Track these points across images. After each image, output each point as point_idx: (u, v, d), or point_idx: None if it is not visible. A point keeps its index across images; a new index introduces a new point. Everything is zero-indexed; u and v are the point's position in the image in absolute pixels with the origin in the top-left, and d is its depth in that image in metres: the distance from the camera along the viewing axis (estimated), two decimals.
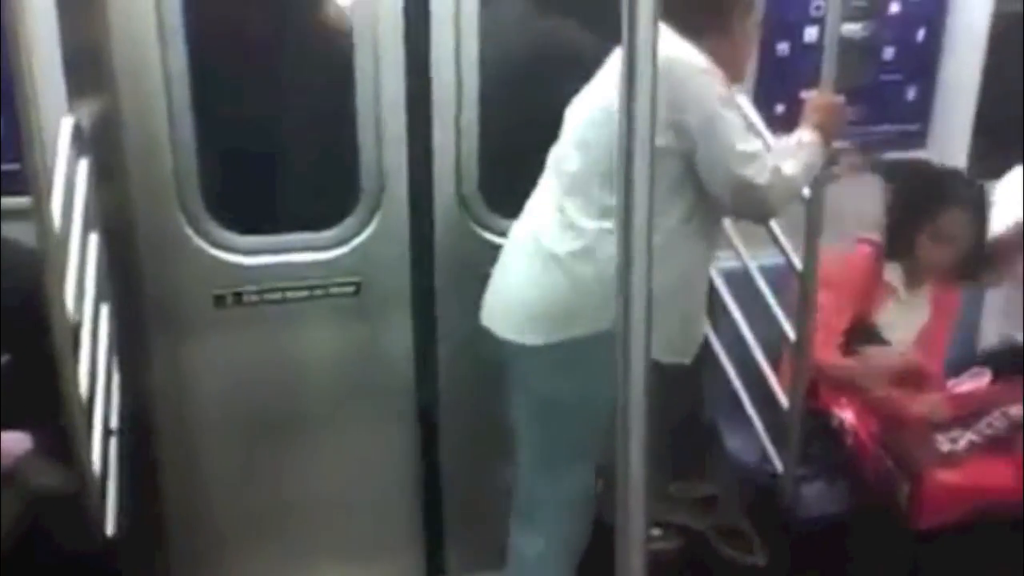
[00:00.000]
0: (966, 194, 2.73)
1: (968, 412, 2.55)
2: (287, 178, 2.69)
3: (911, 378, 2.68)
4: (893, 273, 2.78)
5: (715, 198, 2.15)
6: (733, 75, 2.22)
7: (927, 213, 2.67)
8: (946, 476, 2.40)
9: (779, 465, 2.50)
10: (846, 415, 2.60)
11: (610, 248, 1.98)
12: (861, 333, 2.70)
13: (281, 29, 2.61)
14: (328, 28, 2.60)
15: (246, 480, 2.80)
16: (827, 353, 2.60)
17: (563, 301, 2.19)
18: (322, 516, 2.89)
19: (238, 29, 2.54)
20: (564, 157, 2.25)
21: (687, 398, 2.77)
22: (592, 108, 2.22)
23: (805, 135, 2.25)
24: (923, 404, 2.60)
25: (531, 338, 2.22)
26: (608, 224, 2.10)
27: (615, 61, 2.17)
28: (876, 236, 2.78)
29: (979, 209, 2.72)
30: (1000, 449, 2.46)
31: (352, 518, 2.91)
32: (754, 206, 2.18)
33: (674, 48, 2.02)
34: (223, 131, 2.55)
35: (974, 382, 2.78)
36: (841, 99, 2.28)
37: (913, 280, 2.78)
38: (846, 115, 2.33)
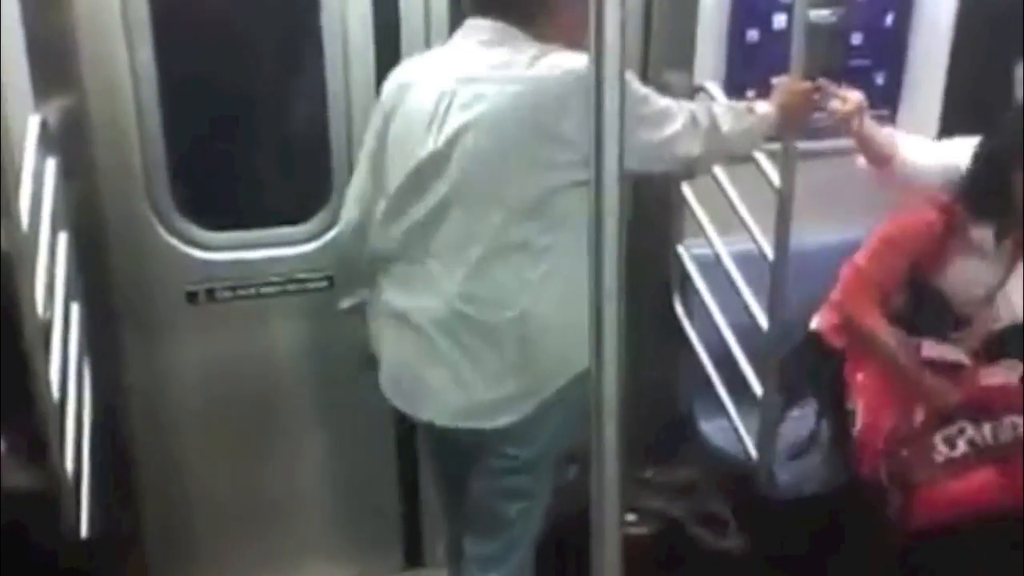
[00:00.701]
0: None
1: (980, 407, 2.51)
2: (258, 173, 2.68)
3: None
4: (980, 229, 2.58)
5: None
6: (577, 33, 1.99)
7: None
8: (938, 490, 2.43)
9: (753, 450, 2.52)
10: (859, 405, 2.59)
11: (555, 288, 1.91)
12: (920, 291, 2.59)
13: (250, 22, 2.59)
14: (298, 21, 2.58)
15: (222, 477, 2.80)
16: (869, 313, 2.58)
17: (521, 371, 1.99)
18: (299, 512, 2.88)
19: (206, 23, 2.52)
20: (460, 200, 1.95)
21: None
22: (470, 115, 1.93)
23: (760, 105, 2.25)
24: (935, 389, 2.54)
25: (492, 421, 2.01)
26: (539, 271, 1.94)
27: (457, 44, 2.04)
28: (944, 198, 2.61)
29: None
30: (998, 460, 2.45)
31: (329, 513, 2.92)
32: (679, 160, 2.05)
33: (548, 71, 1.89)
34: (193, 127, 2.54)
35: (1004, 375, 2.62)
36: (809, 85, 2.29)
37: (1005, 231, 2.55)
38: (814, 100, 2.34)
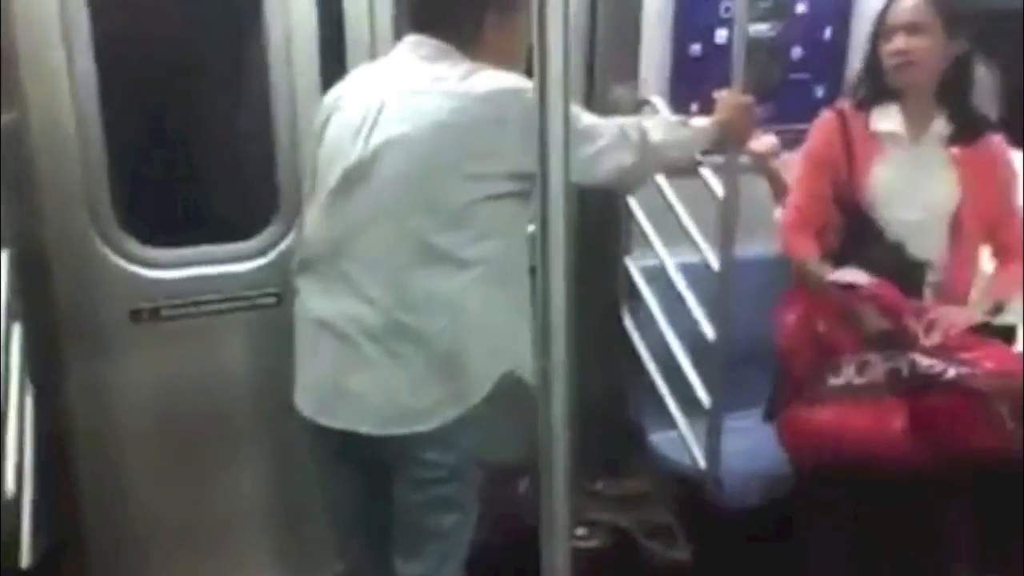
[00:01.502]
0: None
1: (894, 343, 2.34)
2: (203, 189, 2.65)
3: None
4: (885, 118, 2.47)
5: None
6: (514, 57, 2.09)
7: None
8: (802, 416, 2.39)
9: (702, 460, 2.55)
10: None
11: (483, 297, 1.95)
12: (852, 223, 2.49)
13: (194, 36, 2.57)
14: (242, 35, 2.57)
15: (168, 497, 2.75)
16: (801, 244, 2.51)
17: (446, 376, 2.00)
18: (246, 530, 2.85)
19: (149, 36, 2.49)
20: (385, 209, 1.96)
21: None
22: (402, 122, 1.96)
23: (698, 120, 2.32)
24: (863, 314, 2.36)
25: (417, 427, 2.00)
26: (465, 279, 1.96)
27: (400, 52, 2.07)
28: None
29: None
30: (908, 402, 2.30)
31: (278, 532, 2.88)
32: (611, 173, 2.09)
33: (478, 86, 1.93)
34: (136, 142, 2.51)
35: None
36: (750, 99, 2.34)
37: (909, 112, 2.46)
38: (755, 114, 2.39)
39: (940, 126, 2.43)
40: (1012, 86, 2.79)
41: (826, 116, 2.55)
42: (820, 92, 2.99)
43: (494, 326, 2.02)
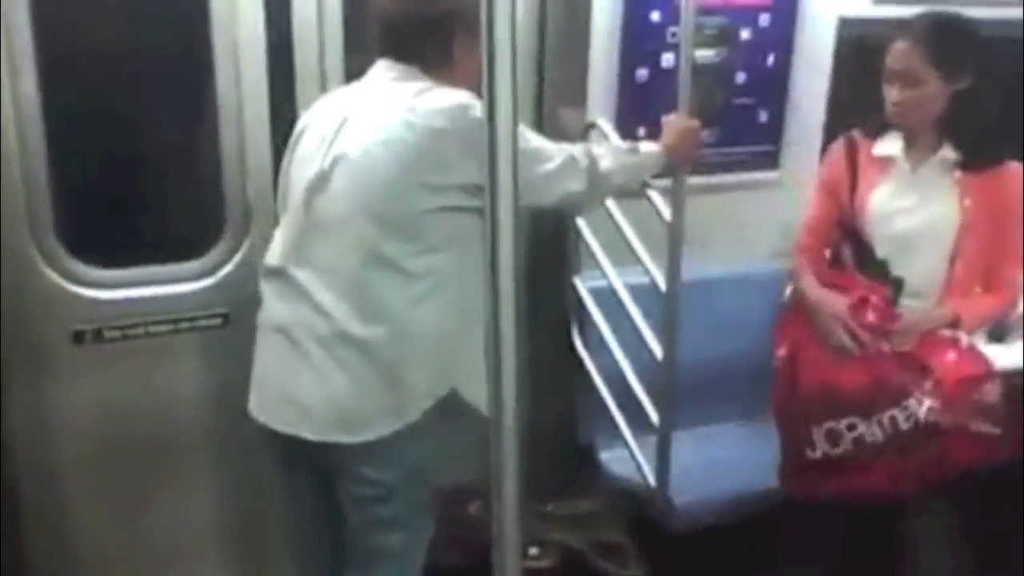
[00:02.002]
0: None
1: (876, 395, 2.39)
2: (148, 208, 2.61)
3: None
4: (890, 144, 2.53)
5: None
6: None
7: None
8: (803, 487, 2.50)
9: (652, 479, 2.57)
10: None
11: (430, 311, 2.01)
12: (849, 240, 2.58)
13: (139, 52, 2.54)
14: (189, 52, 2.54)
15: (114, 523, 2.69)
16: (802, 267, 2.62)
17: (389, 387, 2.04)
18: (196, 556, 2.80)
19: (93, 55, 2.46)
20: (338, 219, 2.02)
21: None
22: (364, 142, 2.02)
23: (646, 145, 2.38)
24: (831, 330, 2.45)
25: (359, 435, 2.04)
26: (414, 292, 2.01)
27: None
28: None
29: None
30: (889, 453, 2.37)
31: (228, 557, 2.83)
32: (559, 196, 2.16)
33: (433, 102, 1.98)
34: (79, 161, 2.46)
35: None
36: (695, 123, 2.38)
37: (911, 143, 2.51)
38: (700, 138, 2.43)
39: (946, 152, 2.46)
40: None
41: (837, 143, 2.66)
42: (763, 117, 3.04)
43: (442, 342, 2.06)
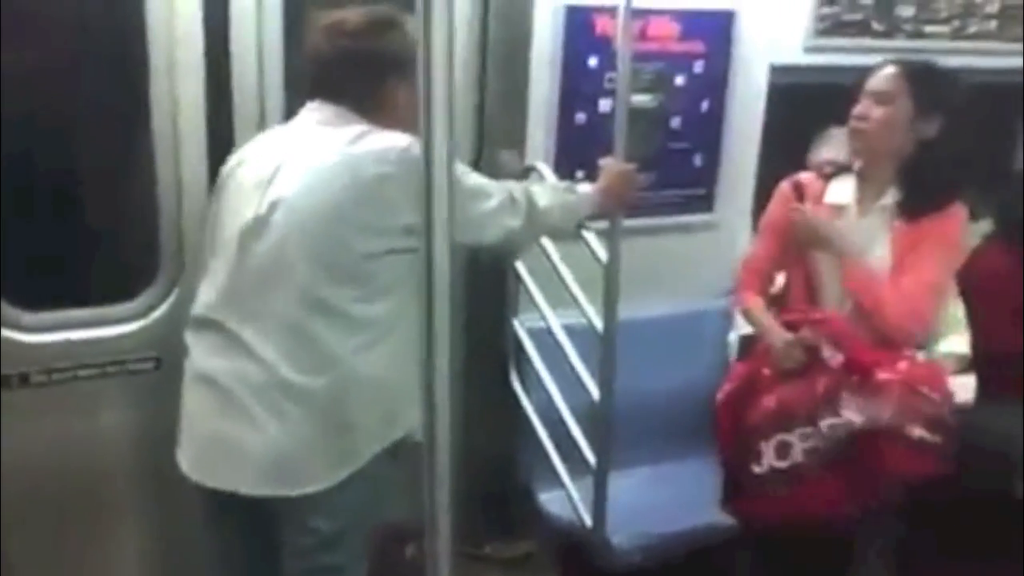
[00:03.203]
0: None
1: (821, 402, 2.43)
2: (77, 249, 2.56)
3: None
4: (839, 191, 2.63)
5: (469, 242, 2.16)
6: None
7: None
8: (749, 506, 2.52)
9: (588, 520, 2.56)
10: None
11: (373, 359, 1.96)
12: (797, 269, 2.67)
13: (73, 93, 2.50)
14: (125, 92, 2.51)
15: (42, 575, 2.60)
16: (747, 296, 2.73)
17: (332, 437, 1.99)
18: None
19: (23, 93, 2.41)
20: (276, 265, 1.97)
21: None
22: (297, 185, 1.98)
23: (583, 187, 2.41)
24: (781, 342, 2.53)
25: (301, 488, 1.98)
26: (359, 339, 1.97)
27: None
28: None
29: None
30: (832, 466, 2.42)
31: None
32: (497, 233, 2.16)
33: (371, 146, 1.96)
34: (6, 200, 2.41)
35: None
36: (631, 167, 2.42)
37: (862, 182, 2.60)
38: (636, 181, 2.46)
39: (888, 199, 2.54)
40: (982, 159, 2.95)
41: (783, 186, 2.75)
42: (698, 161, 3.10)
43: (388, 388, 2.02)
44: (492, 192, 2.13)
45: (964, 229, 2.59)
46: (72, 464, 2.55)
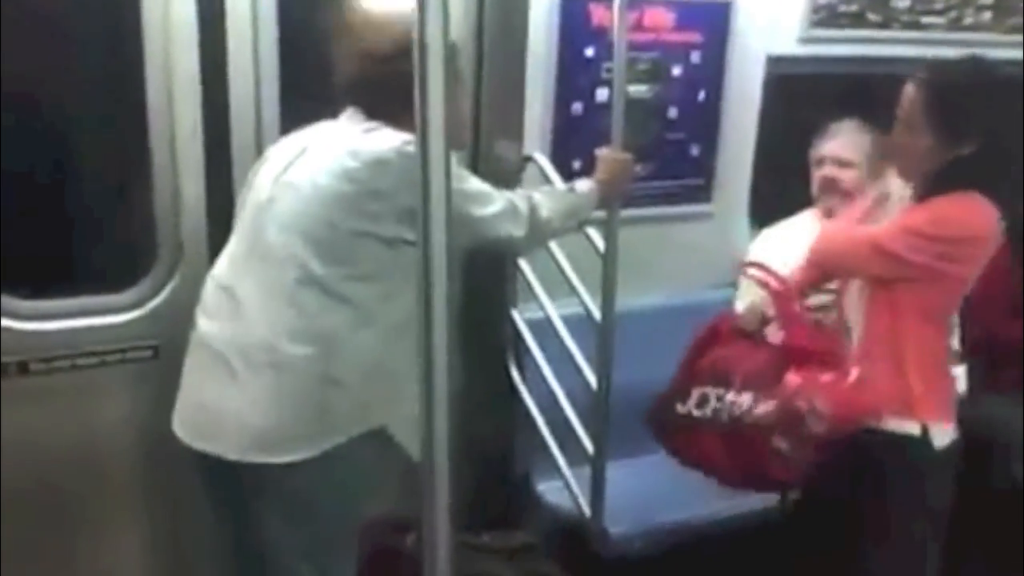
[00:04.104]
0: None
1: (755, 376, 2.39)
2: (77, 237, 2.56)
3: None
4: None
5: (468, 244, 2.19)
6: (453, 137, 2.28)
7: None
8: (661, 436, 2.51)
9: (587, 509, 2.57)
10: None
11: (360, 339, 2.01)
12: None
13: (71, 84, 2.50)
14: (121, 81, 2.51)
15: (42, 566, 2.59)
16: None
17: (314, 408, 2.03)
18: None
19: (22, 82, 2.41)
20: (279, 239, 2.05)
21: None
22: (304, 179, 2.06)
23: (582, 184, 2.40)
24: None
25: (281, 456, 2.01)
26: (346, 316, 2.02)
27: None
28: None
29: None
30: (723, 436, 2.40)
31: None
32: (499, 240, 2.20)
33: (380, 137, 2.02)
34: (4, 189, 2.40)
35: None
36: (628, 156, 2.43)
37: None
38: (633, 170, 2.47)
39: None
40: None
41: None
42: (695, 151, 3.11)
43: (370, 373, 2.06)
44: (494, 198, 2.16)
45: None
46: (72, 453, 2.55)
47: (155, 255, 2.57)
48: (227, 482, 2.10)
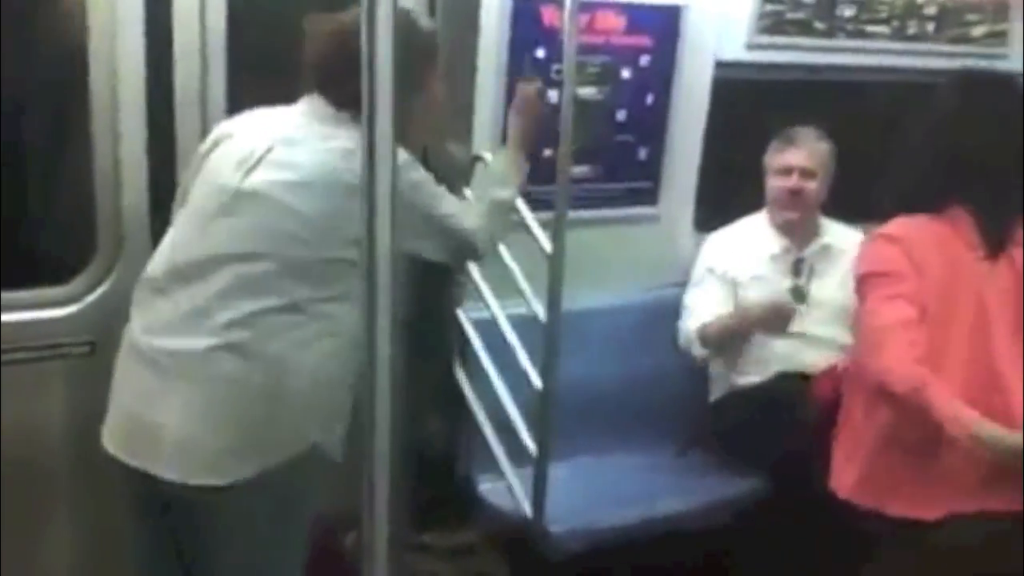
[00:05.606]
0: None
1: None
2: (11, 229, 2.50)
3: None
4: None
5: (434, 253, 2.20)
6: (431, 133, 2.31)
7: None
8: None
9: (529, 509, 2.58)
10: None
11: (311, 356, 1.95)
12: None
13: (7, 68, 2.43)
14: (62, 69, 2.45)
15: None
16: None
17: (257, 426, 1.94)
18: None
19: None
20: (236, 247, 1.97)
21: None
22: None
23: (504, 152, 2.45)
24: None
25: (220, 477, 1.92)
26: (300, 334, 1.95)
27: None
28: None
29: None
30: None
31: None
32: (467, 237, 2.20)
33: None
34: None
35: None
36: (534, 82, 2.49)
37: None
38: (540, 94, 2.50)
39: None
40: None
41: None
42: (643, 154, 3.13)
43: (315, 394, 1.98)
44: (452, 199, 2.18)
45: None
46: (6, 450, 2.49)
47: (94, 247, 2.51)
48: (161, 503, 2.02)
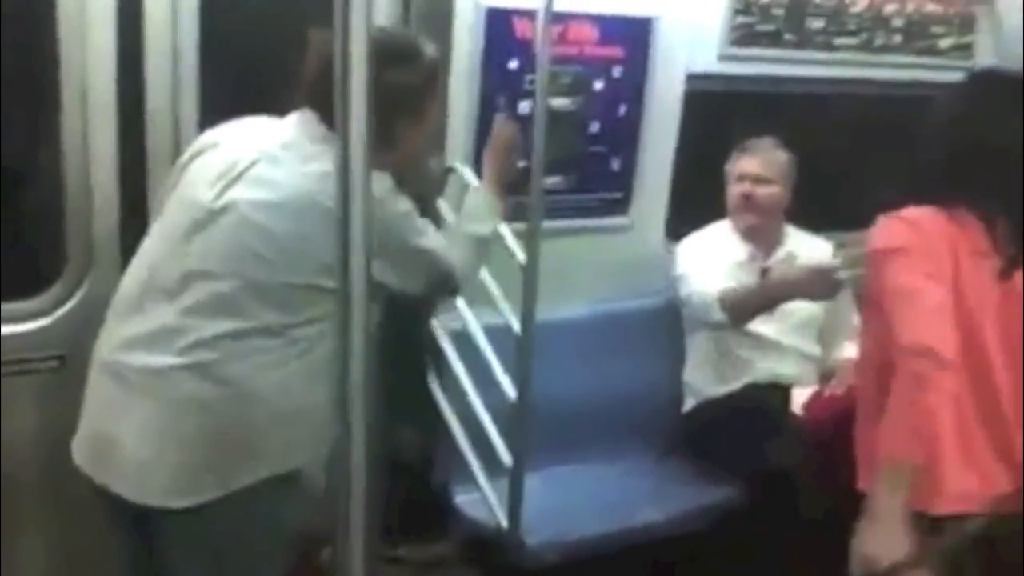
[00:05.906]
0: None
1: None
2: None
3: None
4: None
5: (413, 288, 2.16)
6: (423, 153, 2.29)
7: None
8: None
9: (504, 520, 2.58)
10: None
11: (273, 377, 1.90)
12: None
13: None
14: (34, 82, 2.43)
15: None
16: None
17: (216, 448, 1.90)
18: None
19: None
20: (211, 267, 1.93)
21: None
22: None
23: (476, 191, 2.43)
24: None
25: (176, 499, 1.89)
26: (271, 357, 1.92)
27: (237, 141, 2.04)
28: None
29: None
30: None
31: None
32: (446, 274, 2.17)
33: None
34: None
35: None
36: (505, 119, 2.49)
37: None
38: (513, 132, 2.47)
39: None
40: None
41: None
42: (615, 165, 3.14)
43: (283, 422, 1.95)
44: (434, 232, 2.15)
45: None
46: None
47: (64, 261, 2.48)
48: (131, 516, 1.99)
